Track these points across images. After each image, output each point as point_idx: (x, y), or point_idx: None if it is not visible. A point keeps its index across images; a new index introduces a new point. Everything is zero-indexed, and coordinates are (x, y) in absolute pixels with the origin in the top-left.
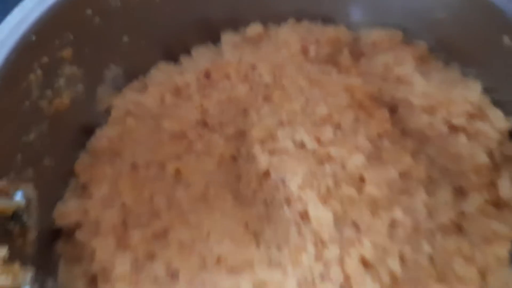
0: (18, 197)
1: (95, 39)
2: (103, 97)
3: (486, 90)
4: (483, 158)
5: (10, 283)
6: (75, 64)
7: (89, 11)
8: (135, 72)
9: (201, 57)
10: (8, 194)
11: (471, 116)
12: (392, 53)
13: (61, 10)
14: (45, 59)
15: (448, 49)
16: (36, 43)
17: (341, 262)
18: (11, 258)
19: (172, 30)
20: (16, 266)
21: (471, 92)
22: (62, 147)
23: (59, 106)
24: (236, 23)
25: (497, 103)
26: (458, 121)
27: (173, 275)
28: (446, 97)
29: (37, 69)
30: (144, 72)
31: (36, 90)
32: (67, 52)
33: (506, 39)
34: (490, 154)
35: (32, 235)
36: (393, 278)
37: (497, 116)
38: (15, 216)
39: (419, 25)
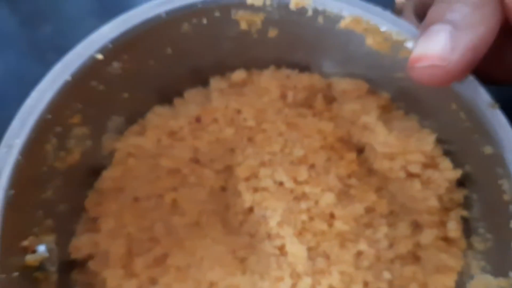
0: (42, 250)
1: (100, 102)
2: (107, 143)
3: (439, 141)
4: (433, 202)
5: None
6: (83, 125)
7: (94, 83)
8: (133, 117)
9: (192, 101)
10: (34, 250)
11: (424, 165)
12: (360, 101)
13: (71, 87)
14: (58, 129)
15: (407, 100)
16: (51, 119)
17: None
18: None
19: (166, 79)
20: None
21: (425, 143)
22: (73, 192)
23: (71, 161)
24: (223, 69)
25: (447, 153)
26: (413, 168)
27: None
28: (404, 147)
29: (52, 138)
30: (142, 115)
31: (51, 155)
32: (76, 118)
33: (453, 106)
34: (440, 199)
35: (54, 277)
36: None
37: (446, 166)
38: (41, 266)
39: (382, 78)
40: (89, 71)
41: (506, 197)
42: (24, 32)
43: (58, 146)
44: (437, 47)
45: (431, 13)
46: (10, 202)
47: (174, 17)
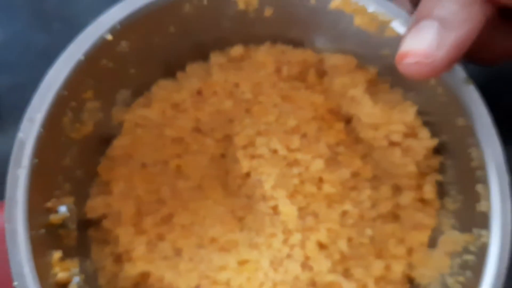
0: (63, 210)
1: (109, 78)
2: (116, 114)
3: (420, 113)
4: (412, 168)
5: (68, 275)
6: (95, 100)
7: (104, 61)
8: (140, 90)
9: (194, 75)
10: (56, 210)
11: (405, 134)
12: (349, 75)
13: (83, 65)
14: (73, 103)
15: (393, 75)
16: (67, 95)
17: (303, 245)
18: (63, 256)
19: (170, 54)
20: (68, 261)
21: (407, 115)
22: (88, 159)
23: (85, 132)
24: (222, 44)
25: (426, 124)
26: (395, 138)
27: (178, 253)
28: (387, 118)
29: (68, 112)
30: (147, 88)
31: (68, 127)
32: (89, 93)
33: (432, 81)
34: (418, 165)
35: (74, 233)
36: (342, 255)
37: (425, 136)
38: (63, 224)
39: (370, 54)
40: (100, 50)
41: (474, 163)
42: (29, 2)
43: (73, 118)
44: (423, 45)
45: (421, 6)
46: (35, 169)
47: None
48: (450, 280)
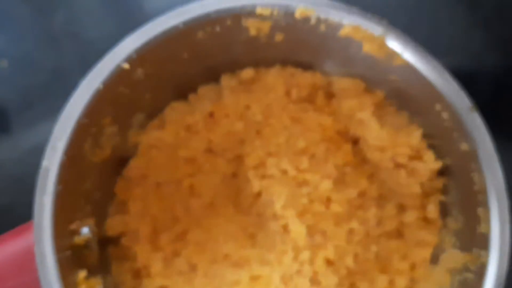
0: (86, 231)
1: (126, 103)
2: (132, 137)
3: (425, 136)
4: (416, 188)
5: None
6: (113, 125)
7: (121, 88)
8: (154, 113)
9: (205, 97)
10: (79, 232)
11: (410, 157)
12: (357, 98)
13: (102, 93)
14: (93, 130)
15: (399, 99)
16: (87, 122)
17: (311, 261)
18: (88, 275)
19: (183, 78)
20: (93, 279)
21: (412, 137)
22: (106, 181)
23: (104, 156)
24: (233, 67)
25: (431, 146)
26: (400, 159)
27: (193, 268)
28: (393, 140)
29: (88, 138)
30: (161, 110)
31: (88, 152)
32: (107, 119)
33: (438, 106)
34: (422, 185)
35: (96, 252)
36: (348, 271)
37: (429, 158)
38: (86, 245)
39: (377, 79)
40: (117, 79)
41: (476, 187)
42: (38, 20)
43: (93, 144)
44: None
45: None
46: (59, 195)
47: (190, 27)
48: None
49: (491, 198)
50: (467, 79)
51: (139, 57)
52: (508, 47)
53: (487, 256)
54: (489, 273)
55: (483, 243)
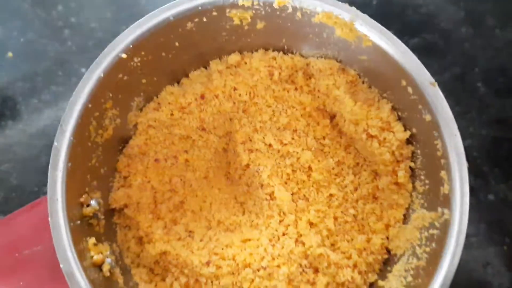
0: (93, 203)
1: (125, 89)
2: (131, 118)
3: (394, 109)
4: (387, 157)
5: (102, 257)
6: (114, 108)
7: (120, 75)
8: (151, 96)
9: (197, 81)
10: (88, 204)
11: (382, 129)
12: (332, 77)
13: (103, 81)
14: (96, 113)
15: (370, 77)
16: (91, 107)
17: (296, 224)
18: (96, 242)
19: (175, 64)
20: (100, 245)
21: (383, 111)
22: (109, 158)
23: (107, 136)
24: (221, 53)
25: (399, 118)
26: (373, 131)
27: (190, 234)
28: (365, 114)
29: (93, 121)
30: (157, 94)
31: (93, 133)
32: (109, 104)
33: (403, 82)
34: (393, 154)
35: (102, 222)
36: (329, 232)
37: (398, 129)
38: (93, 215)
39: (350, 59)
40: (116, 67)
41: (438, 153)
42: (39, 13)
43: (97, 126)
44: None
45: None
46: (69, 171)
47: (180, 19)
48: (419, 250)
49: (452, 162)
50: (439, 54)
51: (135, 47)
52: (479, 23)
53: (450, 214)
54: (452, 229)
55: (446, 202)
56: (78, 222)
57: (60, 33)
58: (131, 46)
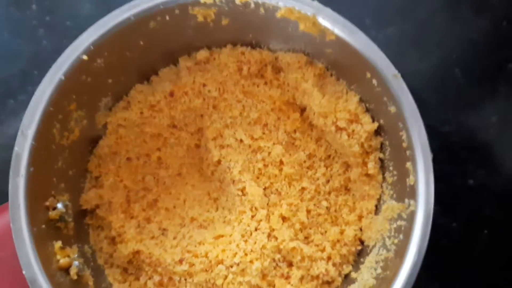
0: (60, 206)
1: (90, 90)
2: (100, 118)
3: (362, 101)
4: (357, 148)
5: (69, 260)
6: (79, 110)
7: (83, 77)
8: (119, 95)
9: (166, 79)
10: (55, 207)
11: (350, 121)
12: (300, 70)
13: (64, 83)
14: (60, 116)
15: (337, 69)
16: (53, 110)
17: (268, 219)
18: (63, 245)
19: (143, 63)
20: (68, 249)
21: (350, 103)
22: (78, 159)
23: (73, 138)
24: (189, 49)
25: (367, 110)
26: (341, 124)
27: (164, 232)
28: (334, 107)
29: (56, 124)
30: (125, 93)
31: (57, 136)
32: (73, 106)
33: (368, 74)
34: (362, 145)
35: (71, 224)
36: (302, 225)
37: (366, 121)
38: (60, 218)
39: (316, 52)
40: (78, 69)
41: (404, 144)
42: (13, 13)
43: (61, 128)
44: None
45: None
46: (31, 176)
47: (141, 18)
48: (388, 242)
49: (417, 153)
50: (414, 44)
51: (96, 48)
52: (456, 10)
53: (415, 205)
54: (417, 220)
55: (412, 193)
56: (43, 226)
57: (35, 33)
58: (92, 47)
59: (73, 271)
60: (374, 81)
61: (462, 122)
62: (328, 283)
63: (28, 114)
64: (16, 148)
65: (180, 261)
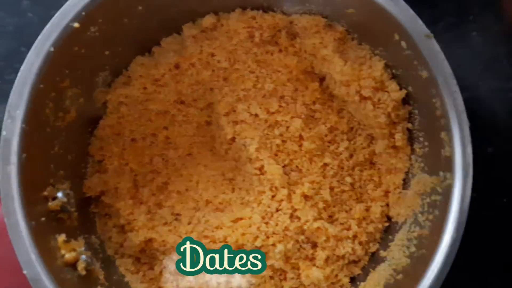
0: (60, 196)
1: (84, 64)
2: (99, 96)
3: (387, 66)
4: (383, 119)
5: (75, 255)
6: (74, 87)
7: (76, 49)
8: (118, 69)
9: (169, 49)
10: (54, 197)
11: (375, 89)
12: (318, 35)
13: (54, 56)
14: (52, 94)
15: (360, 32)
16: (44, 88)
17: (289, 199)
18: (67, 238)
19: (143, 32)
20: (73, 242)
21: (375, 70)
22: (77, 143)
23: (69, 119)
24: (194, 16)
25: (394, 77)
26: (366, 92)
27: (177, 217)
28: (357, 74)
29: (49, 103)
30: (125, 66)
31: (51, 117)
32: (66, 82)
33: (396, 36)
34: (388, 115)
35: (75, 214)
36: (326, 203)
37: (393, 88)
38: (62, 209)
39: (336, 14)
40: (69, 39)
41: (438, 112)
42: None
43: (55, 108)
44: None
45: None
46: (24, 163)
47: None
48: (421, 218)
49: (453, 122)
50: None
51: (89, 15)
52: None
53: (452, 178)
54: (454, 194)
55: (448, 166)
56: (43, 219)
57: (18, 4)
58: (83, 13)
59: (80, 266)
60: (403, 43)
61: (481, 86)
62: (355, 262)
63: (15, 92)
64: (4, 133)
65: None
